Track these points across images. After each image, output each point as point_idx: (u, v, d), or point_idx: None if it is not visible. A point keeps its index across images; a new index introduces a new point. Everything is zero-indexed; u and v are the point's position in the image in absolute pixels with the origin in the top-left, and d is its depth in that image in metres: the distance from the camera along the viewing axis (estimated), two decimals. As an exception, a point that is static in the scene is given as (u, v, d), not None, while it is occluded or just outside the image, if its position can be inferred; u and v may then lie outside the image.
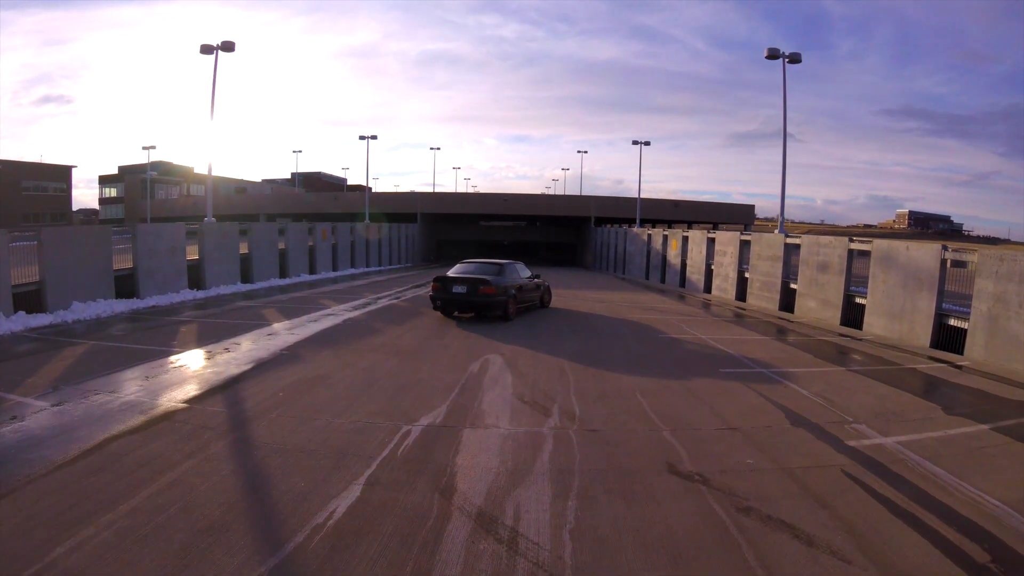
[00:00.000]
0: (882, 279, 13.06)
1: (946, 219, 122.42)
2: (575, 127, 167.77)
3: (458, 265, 13.31)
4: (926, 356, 10.21)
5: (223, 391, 6.50)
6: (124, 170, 67.87)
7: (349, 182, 71.56)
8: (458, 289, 11.91)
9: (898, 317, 12.50)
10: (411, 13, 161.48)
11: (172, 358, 8.16)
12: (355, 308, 13.84)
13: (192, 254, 17.20)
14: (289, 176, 77.35)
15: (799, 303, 15.66)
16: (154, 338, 9.85)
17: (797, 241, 16.30)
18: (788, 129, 19.91)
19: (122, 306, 13.46)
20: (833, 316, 14.26)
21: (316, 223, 25.36)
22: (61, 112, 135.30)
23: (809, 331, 12.82)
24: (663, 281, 26.09)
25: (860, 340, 11.75)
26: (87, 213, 73.76)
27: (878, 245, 13.43)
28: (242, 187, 71.96)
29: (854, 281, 14.36)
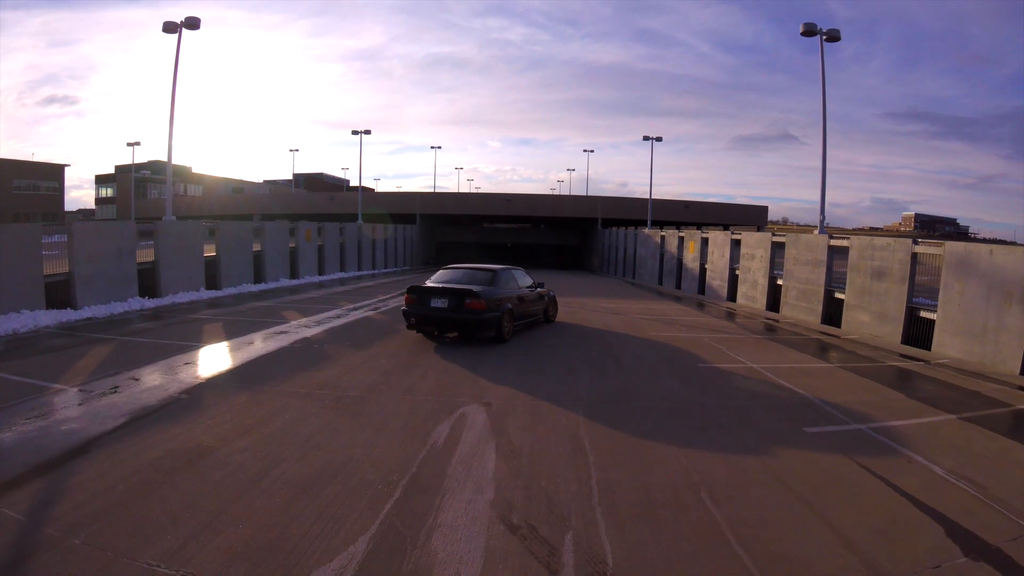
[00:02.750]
0: (957, 290, 10.71)
1: (952, 221, 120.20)
2: (580, 130, 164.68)
3: (440, 271, 10.81)
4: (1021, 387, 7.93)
5: (51, 473, 4.24)
6: (120, 169, 66.21)
7: (352, 183, 69.58)
8: (437, 303, 9.36)
9: (979, 337, 10.16)
10: (417, 16, 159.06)
11: (37, 403, 5.94)
12: (318, 323, 11.49)
13: (148, 257, 15.08)
14: (291, 177, 75.52)
15: (848, 316, 13.30)
16: (47, 366, 7.66)
17: (844, 243, 13.93)
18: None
19: (49, 319, 11.32)
20: (892, 333, 11.90)
21: (299, 222, 23.17)
22: (66, 112, 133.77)
23: (869, 352, 10.50)
24: (679, 287, 23.77)
25: (935, 365, 9.44)
26: (86, 213, 72.32)
27: (952, 249, 11.07)
28: (240, 187, 70.34)
29: (917, 291, 12.04)
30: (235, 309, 13.64)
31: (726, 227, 37.22)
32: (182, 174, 68.51)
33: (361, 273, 27.65)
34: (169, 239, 15.33)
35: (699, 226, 33.11)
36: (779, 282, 16.27)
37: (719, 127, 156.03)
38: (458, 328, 9.55)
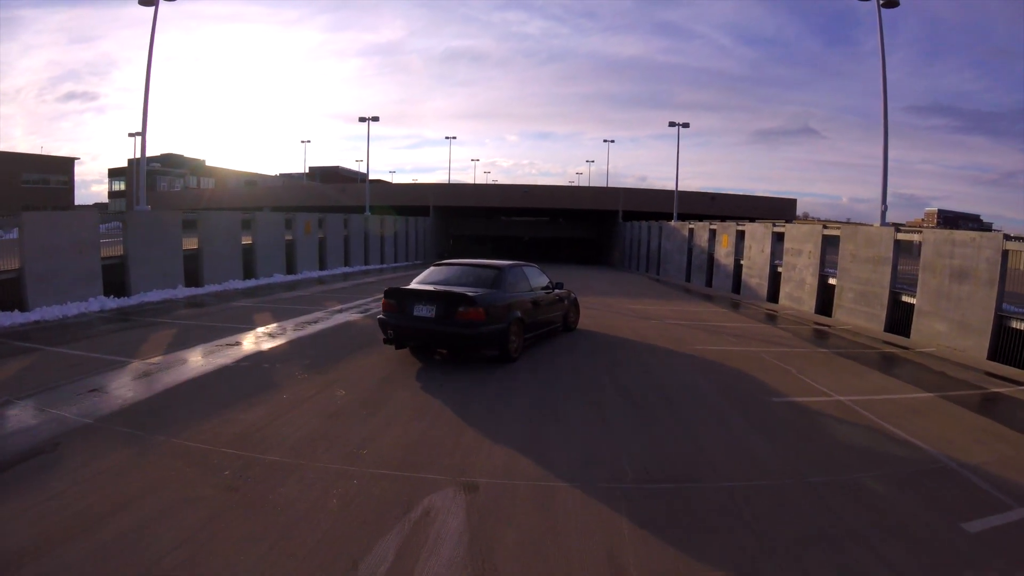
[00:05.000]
0: (1067, 295, 8.62)
1: (975, 218, 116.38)
2: (598, 124, 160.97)
3: (431, 269, 8.67)
4: None
5: None
6: (132, 163, 65.83)
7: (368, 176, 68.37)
8: (423, 311, 7.20)
9: (1098, 354, 8.09)
10: (435, 10, 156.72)
11: None
12: (287, 330, 9.66)
13: (118, 251, 13.53)
14: (308, 170, 74.66)
15: (919, 324, 11.18)
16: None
17: (916, 238, 11.79)
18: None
19: (-11, 323, 9.84)
20: (975, 346, 9.79)
21: (297, 214, 21.54)
22: (87, 108, 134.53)
23: (957, 371, 8.51)
24: (709, 284, 21.70)
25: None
26: (101, 207, 72.32)
27: (1058, 244, 8.94)
28: (252, 180, 69.58)
29: (1006, 297, 9.91)
30: (207, 311, 11.99)
31: (752, 220, 34.79)
32: (196, 167, 68.11)
33: (368, 267, 26.05)
34: (140, 231, 13.74)
35: (725, 219, 30.93)
36: (831, 281, 14.18)
37: (739, 121, 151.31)
38: (449, 345, 7.44)
